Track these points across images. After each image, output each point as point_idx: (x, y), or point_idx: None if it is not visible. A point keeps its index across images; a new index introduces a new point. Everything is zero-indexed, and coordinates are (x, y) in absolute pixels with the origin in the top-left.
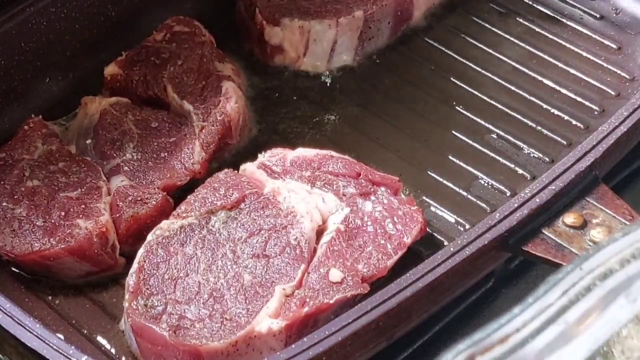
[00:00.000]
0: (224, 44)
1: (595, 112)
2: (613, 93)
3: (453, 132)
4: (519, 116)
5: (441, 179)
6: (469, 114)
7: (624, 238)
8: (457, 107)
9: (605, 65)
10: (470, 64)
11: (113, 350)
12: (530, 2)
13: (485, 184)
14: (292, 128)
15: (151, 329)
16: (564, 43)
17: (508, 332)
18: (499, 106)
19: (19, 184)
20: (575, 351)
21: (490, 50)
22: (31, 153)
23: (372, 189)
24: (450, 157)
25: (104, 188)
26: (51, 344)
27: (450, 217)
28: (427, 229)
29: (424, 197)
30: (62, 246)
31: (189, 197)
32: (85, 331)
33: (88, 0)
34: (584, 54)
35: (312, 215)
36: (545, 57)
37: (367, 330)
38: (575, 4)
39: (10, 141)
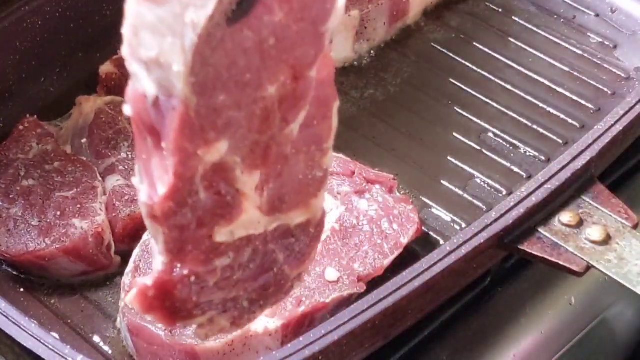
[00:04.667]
0: None
1: (591, 111)
2: (609, 92)
3: (449, 131)
4: (515, 115)
5: (437, 178)
6: (465, 113)
7: None
8: (453, 106)
9: (601, 63)
10: (467, 63)
11: (109, 350)
12: (527, 1)
13: (481, 183)
14: None
15: (147, 328)
16: (559, 42)
17: None
18: (495, 105)
19: (14, 184)
20: None
21: (486, 49)
22: (26, 153)
23: (366, 187)
24: (446, 156)
25: (100, 188)
26: (47, 344)
27: (446, 216)
28: (423, 228)
29: (420, 196)
30: (57, 246)
31: None
32: (81, 331)
33: None
34: (580, 52)
35: None
36: (541, 55)
37: (363, 330)
38: (571, 2)
39: (5, 141)
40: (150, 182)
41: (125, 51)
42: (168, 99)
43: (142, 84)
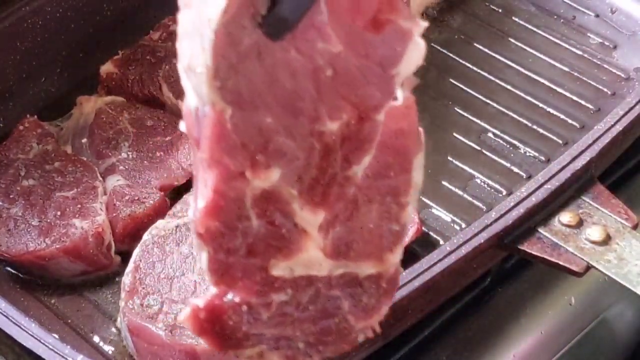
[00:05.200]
0: None
1: (591, 111)
2: (608, 92)
3: (449, 131)
4: (514, 115)
5: (437, 178)
6: (465, 113)
7: None
8: (453, 106)
9: (600, 64)
10: (466, 63)
11: (109, 350)
12: (527, 1)
13: (481, 183)
14: None
15: (147, 328)
16: (559, 42)
17: None
18: (495, 105)
19: (14, 184)
20: None
21: (486, 50)
22: (26, 153)
23: None
24: (446, 156)
25: (100, 188)
26: (47, 344)
27: (446, 217)
28: (423, 228)
29: (420, 196)
30: (57, 246)
31: (184, 196)
32: (81, 330)
33: None
34: (580, 52)
35: None
36: (541, 56)
37: None
38: (571, 3)
39: (5, 141)
40: (195, 197)
41: (178, 66)
42: (203, 107)
43: (187, 95)
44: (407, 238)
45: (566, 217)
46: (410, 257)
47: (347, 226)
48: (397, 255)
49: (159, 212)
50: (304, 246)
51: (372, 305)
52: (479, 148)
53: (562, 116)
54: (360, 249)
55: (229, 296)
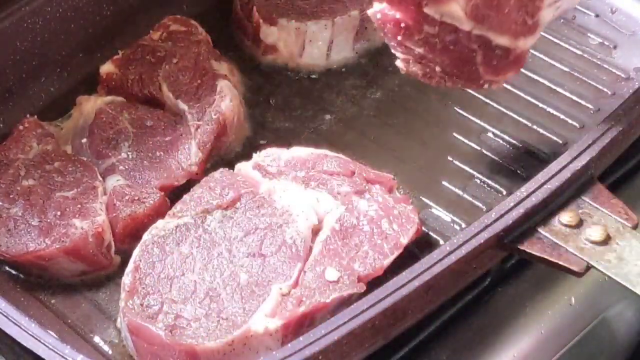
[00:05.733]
0: (221, 43)
1: (591, 111)
2: (608, 92)
3: (449, 131)
4: (514, 115)
5: (437, 178)
6: (465, 113)
7: None
8: (453, 106)
9: (600, 64)
10: None
11: (109, 350)
12: None
13: (481, 183)
14: (288, 127)
15: (147, 328)
16: (559, 42)
17: None
18: (495, 105)
19: (14, 184)
20: None
21: None
22: (26, 153)
23: (366, 187)
24: (446, 156)
25: (100, 188)
26: (46, 344)
27: (446, 217)
28: (423, 228)
29: (420, 196)
30: (57, 246)
31: (184, 196)
32: (81, 330)
33: None
34: (580, 52)
35: (307, 214)
36: (541, 56)
37: (363, 330)
38: None
39: (5, 141)
40: None
41: None
42: None
43: None
44: (407, 238)
45: (566, 217)
46: (409, 256)
47: (486, 1)
48: (528, 43)
49: (159, 212)
50: (448, 1)
51: (501, 67)
52: (479, 148)
53: (561, 116)
54: (496, 24)
55: (392, 11)
